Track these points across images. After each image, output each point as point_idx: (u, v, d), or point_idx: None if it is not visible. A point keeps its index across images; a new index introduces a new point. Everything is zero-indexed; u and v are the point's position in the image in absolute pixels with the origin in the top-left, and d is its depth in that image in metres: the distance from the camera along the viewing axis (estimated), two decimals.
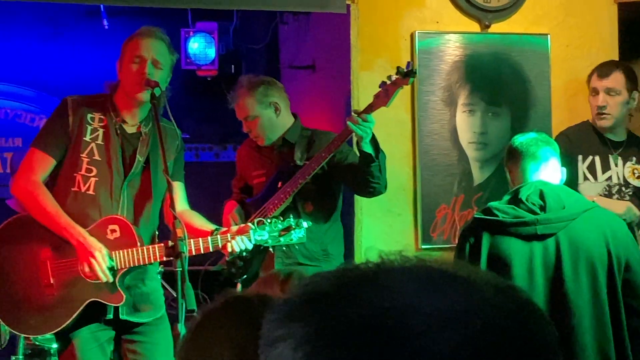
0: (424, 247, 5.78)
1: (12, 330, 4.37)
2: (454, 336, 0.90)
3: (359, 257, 5.72)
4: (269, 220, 4.41)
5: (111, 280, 4.21)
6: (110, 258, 4.21)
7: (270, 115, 5.19)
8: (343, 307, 0.93)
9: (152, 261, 4.26)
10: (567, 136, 5.55)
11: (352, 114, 4.84)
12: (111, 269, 4.20)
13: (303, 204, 5.12)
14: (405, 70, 4.75)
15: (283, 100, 5.27)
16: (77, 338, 4.30)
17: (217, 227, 4.46)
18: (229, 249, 4.31)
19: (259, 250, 4.93)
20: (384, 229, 5.73)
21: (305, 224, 4.46)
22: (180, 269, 3.79)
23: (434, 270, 0.98)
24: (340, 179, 5.18)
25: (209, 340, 1.84)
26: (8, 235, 4.36)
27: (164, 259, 4.23)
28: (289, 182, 5.00)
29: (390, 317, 0.91)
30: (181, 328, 3.75)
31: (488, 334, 0.91)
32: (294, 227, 4.42)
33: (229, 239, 4.30)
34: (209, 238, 4.30)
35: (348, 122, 4.76)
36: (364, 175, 4.88)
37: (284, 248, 4.98)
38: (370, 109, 4.82)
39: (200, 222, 4.48)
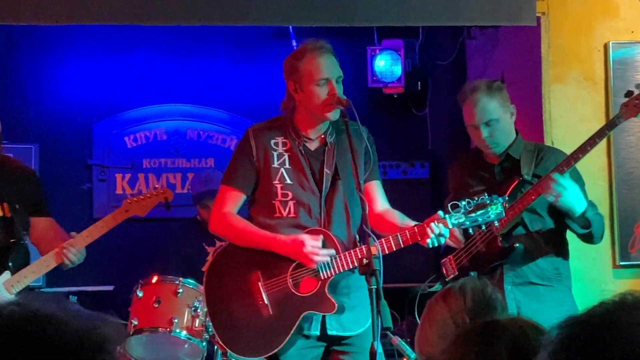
0: (621, 263, 5.60)
1: (238, 356, 4.45)
2: None
3: None
4: (462, 203, 4.28)
5: (335, 256, 4.29)
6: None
7: (509, 120, 4.93)
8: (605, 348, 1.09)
9: (356, 265, 4.25)
10: None
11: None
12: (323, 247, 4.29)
13: (533, 221, 4.90)
14: None
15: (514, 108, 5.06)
16: (285, 357, 4.37)
17: (419, 223, 4.35)
18: (429, 233, 4.21)
19: (487, 270, 4.85)
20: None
21: (500, 199, 4.27)
22: (375, 286, 3.78)
23: None
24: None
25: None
26: (220, 266, 4.53)
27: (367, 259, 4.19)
28: (521, 198, 4.78)
29: None
30: (377, 346, 3.73)
31: None
32: (488, 203, 4.25)
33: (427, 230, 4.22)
34: (406, 231, 4.25)
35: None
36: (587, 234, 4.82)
37: (515, 268, 4.83)
38: (616, 121, 4.68)
39: (403, 220, 4.43)
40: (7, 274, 4.88)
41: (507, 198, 4.36)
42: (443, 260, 5.03)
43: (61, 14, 5.35)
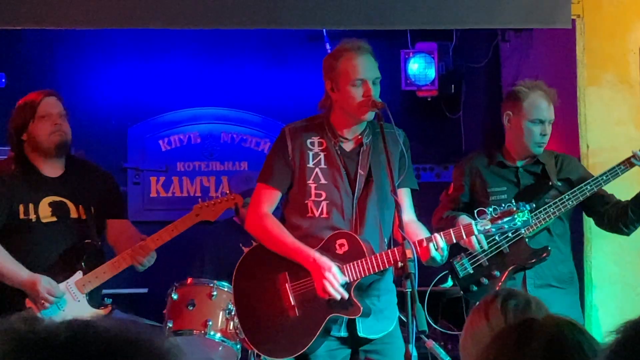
0: None
1: (267, 357, 4.48)
2: None
3: (588, 279, 5.55)
4: (489, 209, 4.27)
5: (346, 297, 4.25)
6: (342, 273, 4.26)
7: None
8: None
9: (382, 268, 4.26)
10: None
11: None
12: (344, 285, 4.25)
13: (555, 225, 4.95)
14: None
15: None
16: (314, 358, 4.38)
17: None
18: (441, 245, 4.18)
19: (512, 271, 4.85)
20: (614, 249, 5.55)
21: (527, 206, 4.25)
22: (410, 289, 3.78)
23: None
24: (584, 206, 4.99)
25: None
26: (247, 267, 4.54)
27: (394, 264, 4.20)
28: (555, 204, 4.82)
29: None
30: (412, 349, 3.73)
31: None
32: (515, 210, 4.21)
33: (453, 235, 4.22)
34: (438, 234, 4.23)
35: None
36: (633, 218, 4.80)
37: (537, 270, 4.85)
38: None
39: (425, 234, 4.39)
40: (79, 274, 4.99)
41: (534, 205, 4.35)
42: (454, 259, 5.00)
43: (95, 18, 5.39)
